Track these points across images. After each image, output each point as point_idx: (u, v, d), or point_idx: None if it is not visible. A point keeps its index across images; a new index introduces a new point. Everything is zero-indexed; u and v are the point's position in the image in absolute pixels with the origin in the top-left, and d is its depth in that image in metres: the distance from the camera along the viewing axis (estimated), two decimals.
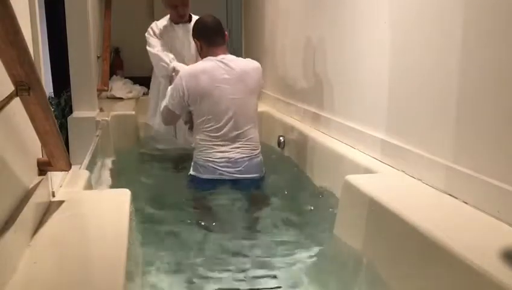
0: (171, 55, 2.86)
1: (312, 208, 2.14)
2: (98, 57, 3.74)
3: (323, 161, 2.35)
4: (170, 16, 2.98)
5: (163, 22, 3.00)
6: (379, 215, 1.47)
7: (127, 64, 4.93)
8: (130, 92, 4.17)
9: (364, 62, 2.11)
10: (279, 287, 1.55)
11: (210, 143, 2.28)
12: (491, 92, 1.33)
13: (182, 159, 2.77)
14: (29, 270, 1.01)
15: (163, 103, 2.44)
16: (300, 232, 1.92)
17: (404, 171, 1.76)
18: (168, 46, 2.92)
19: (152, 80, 3.17)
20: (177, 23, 2.96)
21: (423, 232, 1.23)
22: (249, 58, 2.49)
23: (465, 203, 1.42)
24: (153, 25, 2.97)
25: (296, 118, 2.97)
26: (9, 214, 1.06)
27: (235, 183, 2.26)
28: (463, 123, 1.46)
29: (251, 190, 2.28)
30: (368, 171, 1.87)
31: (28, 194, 1.20)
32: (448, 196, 1.49)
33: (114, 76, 4.45)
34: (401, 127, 1.83)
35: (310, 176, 2.48)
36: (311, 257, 1.70)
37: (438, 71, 1.57)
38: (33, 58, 1.04)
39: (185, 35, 2.94)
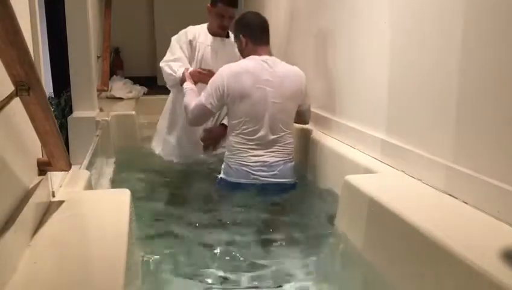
0: (180, 63, 2.62)
1: (313, 208, 2.15)
2: (98, 57, 3.74)
3: (323, 161, 2.35)
4: (210, 25, 2.74)
5: (198, 29, 2.76)
6: (379, 215, 1.47)
7: (127, 64, 4.94)
8: (130, 92, 4.17)
9: (364, 62, 2.11)
10: (280, 286, 1.56)
11: (245, 146, 2.18)
12: (491, 92, 1.33)
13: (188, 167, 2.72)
14: (29, 270, 1.01)
15: (194, 102, 2.28)
16: (300, 232, 1.92)
17: (404, 171, 1.76)
18: (198, 56, 2.71)
19: (169, 108, 2.89)
20: (215, 34, 2.74)
21: (423, 232, 1.23)
22: (294, 65, 2.35)
23: (465, 203, 1.42)
24: (188, 30, 2.73)
25: None
26: (9, 214, 1.06)
27: (268, 188, 2.17)
28: (463, 123, 1.46)
29: (282, 196, 2.18)
30: (367, 171, 1.87)
31: (28, 194, 1.20)
32: (448, 196, 1.49)
33: (114, 76, 4.46)
34: (401, 127, 1.83)
35: (309, 176, 2.47)
36: (311, 257, 1.70)
37: (438, 71, 1.57)
38: (33, 58, 1.04)
39: (220, 48, 2.72)
